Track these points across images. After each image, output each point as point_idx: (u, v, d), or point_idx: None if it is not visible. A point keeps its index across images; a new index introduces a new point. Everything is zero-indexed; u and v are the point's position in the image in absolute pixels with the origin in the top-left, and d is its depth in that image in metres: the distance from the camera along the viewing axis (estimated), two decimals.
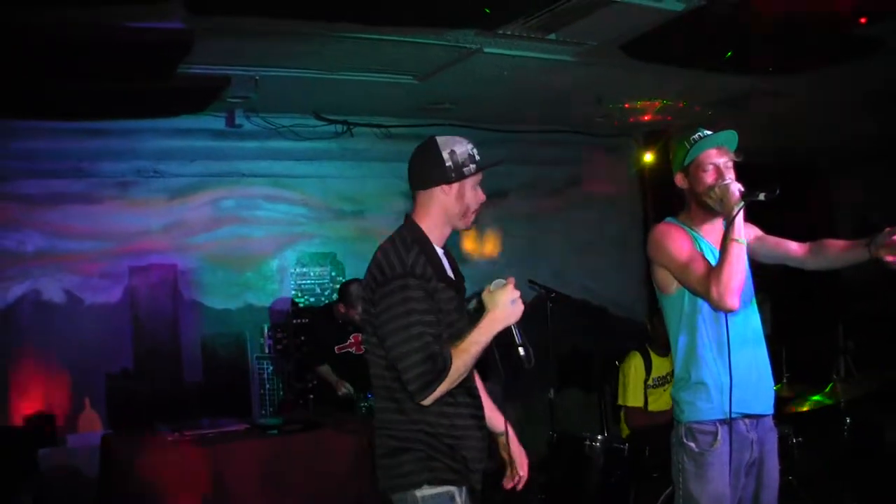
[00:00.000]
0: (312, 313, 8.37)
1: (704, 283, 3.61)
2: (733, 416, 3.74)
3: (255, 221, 8.73)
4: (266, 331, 8.63)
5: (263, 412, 8.31)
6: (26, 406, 7.38)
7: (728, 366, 3.71)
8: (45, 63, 5.74)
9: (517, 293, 3.29)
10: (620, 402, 6.56)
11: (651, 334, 6.62)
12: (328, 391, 7.12)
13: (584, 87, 7.55)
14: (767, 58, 6.83)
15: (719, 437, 3.77)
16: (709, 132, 3.84)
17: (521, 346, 3.31)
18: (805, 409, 5.93)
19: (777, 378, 4.21)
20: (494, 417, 3.69)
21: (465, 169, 3.40)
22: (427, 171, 3.42)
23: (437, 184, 3.40)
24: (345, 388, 6.96)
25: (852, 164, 11.41)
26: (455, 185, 3.41)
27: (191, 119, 7.84)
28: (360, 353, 7.15)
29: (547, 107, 8.03)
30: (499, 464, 3.71)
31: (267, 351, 8.58)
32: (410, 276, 3.21)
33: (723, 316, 3.73)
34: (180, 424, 6.02)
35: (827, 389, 5.97)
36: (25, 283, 7.64)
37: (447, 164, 3.38)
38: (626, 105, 8.51)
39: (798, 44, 6.45)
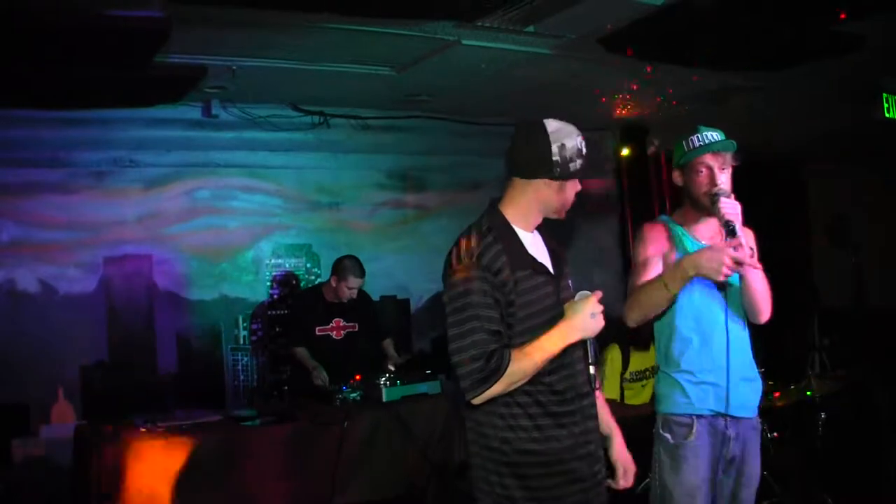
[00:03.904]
0: (297, 294, 8.36)
1: (629, 295, 3.92)
2: (708, 413, 3.81)
3: (230, 212, 8.71)
4: (241, 322, 8.61)
5: (238, 403, 8.27)
6: None
7: (704, 364, 3.80)
8: (22, 51, 5.68)
9: (600, 307, 3.15)
10: None
11: (630, 330, 6.62)
12: (303, 382, 7.08)
13: (561, 80, 7.54)
14: (745, 53, 6.84)
15: (694, 430, 3.82)
16: (711, 133, 3.86)
17: (592, 364, 3.20)
18: (780, 404, 5.96)
19: None
20: (605, 421, 3.58)
21: (571, 165, 3.19)
22: (532, 162, 3.20)
23: (541, 177, 3.22)
24: (320, 381, 6.91)
25: (828, 160, 11.46)
26: (558, 181, 3.23)
27: (167, 109, 7.76)
28: (340, 338, 7.16)
29: (525, 100, 8.00)
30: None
31: (242, 342, 8.56)
32: (475, 268, 3.05)
33: (701, 316, 3.86)
34: (154, 416, 5.99)
35: (802, 385, 6.01)
36: (0, 273, 7.59)
37: (555, 160, 3.16)
38: (604, 99, 8.51)
39: (777, 40, 6.46)
